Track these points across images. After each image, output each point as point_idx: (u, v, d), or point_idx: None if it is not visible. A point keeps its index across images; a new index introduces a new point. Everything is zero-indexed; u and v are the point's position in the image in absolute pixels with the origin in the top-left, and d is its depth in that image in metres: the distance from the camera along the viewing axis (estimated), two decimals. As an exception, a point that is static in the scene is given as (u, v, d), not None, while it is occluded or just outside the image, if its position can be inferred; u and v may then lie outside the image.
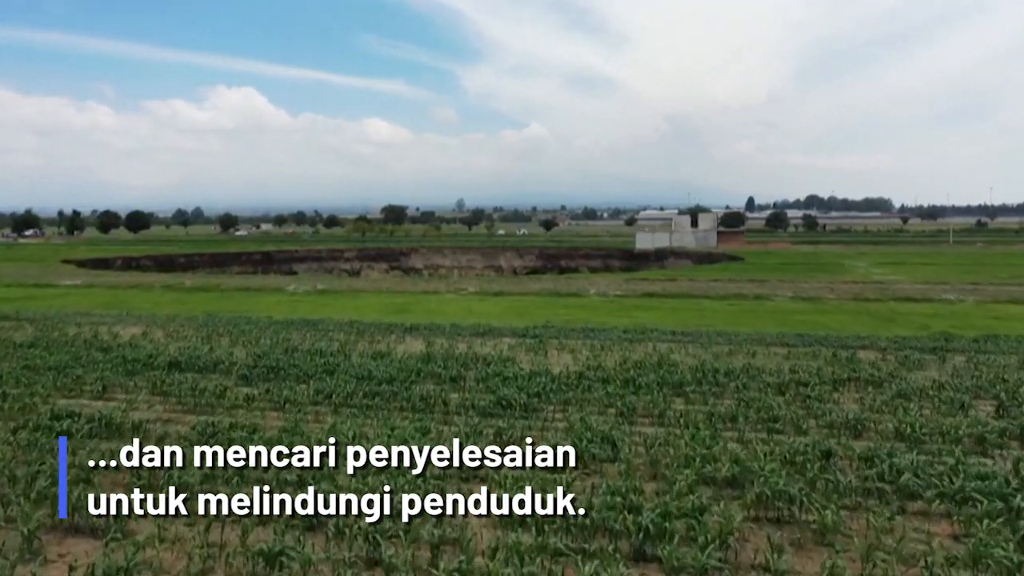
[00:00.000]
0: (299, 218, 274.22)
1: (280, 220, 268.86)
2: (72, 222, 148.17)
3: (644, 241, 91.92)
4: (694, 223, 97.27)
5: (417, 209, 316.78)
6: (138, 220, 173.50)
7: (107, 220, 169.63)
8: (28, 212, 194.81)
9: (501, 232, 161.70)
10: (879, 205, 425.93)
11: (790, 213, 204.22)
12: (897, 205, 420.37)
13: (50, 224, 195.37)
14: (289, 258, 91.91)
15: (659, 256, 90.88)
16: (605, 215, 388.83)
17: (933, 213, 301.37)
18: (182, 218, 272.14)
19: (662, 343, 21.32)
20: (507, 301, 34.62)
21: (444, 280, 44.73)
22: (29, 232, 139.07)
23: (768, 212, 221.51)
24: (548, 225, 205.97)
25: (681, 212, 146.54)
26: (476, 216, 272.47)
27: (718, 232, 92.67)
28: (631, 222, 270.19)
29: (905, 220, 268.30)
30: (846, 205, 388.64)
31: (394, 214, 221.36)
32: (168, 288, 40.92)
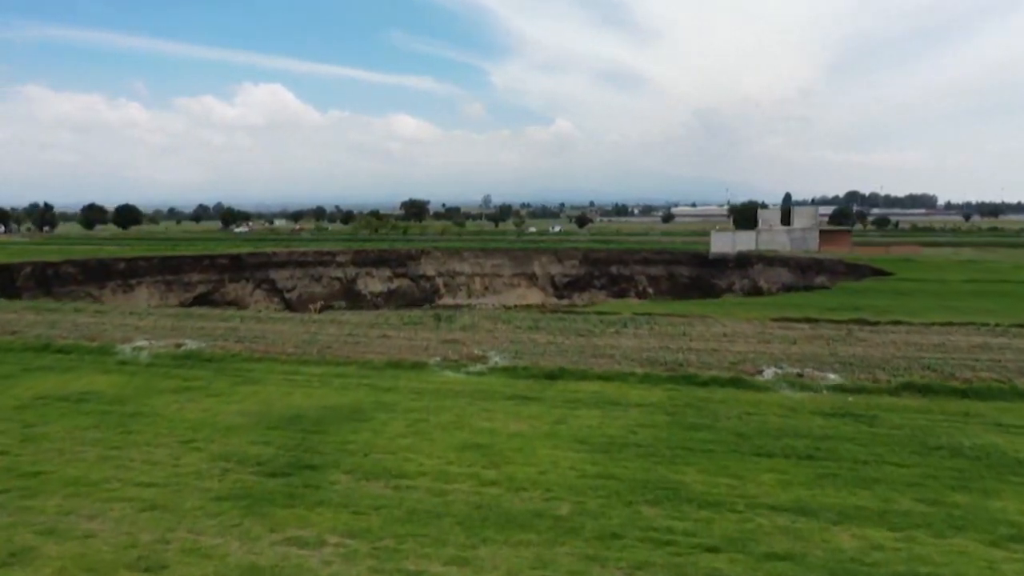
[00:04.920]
0: (318, 213, 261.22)
1: (297, 216, 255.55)
2: (42, 216, 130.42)
3: (722, 243, 70.65)
4: (785, 219, 75.81)
5: (443, 205, 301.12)
6: (128, 215, 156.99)
7: (92, 215, 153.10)
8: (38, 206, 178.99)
9: (532, 230, 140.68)
10: (923, 201, 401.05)
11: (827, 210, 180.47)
12: (942, 201, 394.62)
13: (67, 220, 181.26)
14: (266, 263, 72.17)
15: (742, 262, 69.53)
16: (636, 211, 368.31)
17: (994, 210, 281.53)
18: (202, 214, 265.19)
19: None
20: (588, 412, 13.84)
21: (446, 323, 24.09)
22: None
23: (830, 209, 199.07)
24: (582, 222, 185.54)
25: (747, 206, 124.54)
26: (503, 213, 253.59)
27: (820, 231, 70.88)
28: (668, 218, 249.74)
29: (967, 217, 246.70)
30: (888, 202, 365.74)
31: (415, 209, 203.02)
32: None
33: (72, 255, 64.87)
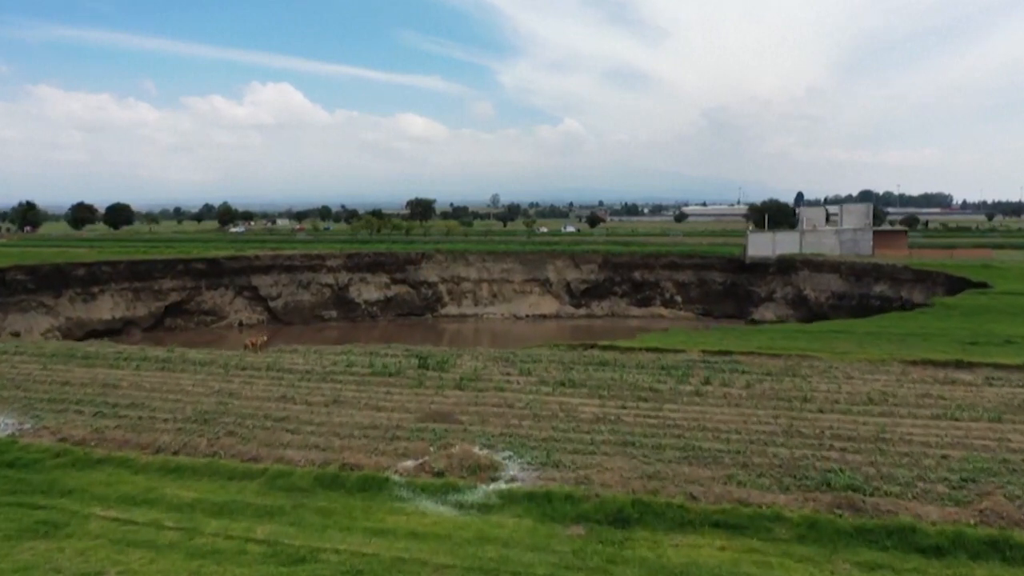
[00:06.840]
0: (323, 213, 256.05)
1: (301, 215, 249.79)
2: (24, 215, 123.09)
3: (760, 245, 62.47)
4: (828, 218, 67.61)
5: (451, 204, 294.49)
6: (119, 214, 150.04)
7: (80, 214, 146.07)
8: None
9: (543, 230, 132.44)
10: (938, 200, 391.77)
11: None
12: (956, 200, 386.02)
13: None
14: (247, 268, 64.30)
15: (784, 267, 61.32)
16: (646, 211, 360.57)
17: (1016, 209, 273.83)
18: (207, 213, 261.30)
19: None
20: None
21: (436, 372, 16.16)
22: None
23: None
24: (593, 221, 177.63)
25: (769, 205, 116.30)
26: (511, 212, 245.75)
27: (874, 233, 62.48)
28: (680, 218, 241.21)
29: (990, 216, 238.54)
30: (903, 201, 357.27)
31: (420, 208, 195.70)
32: None
33: (25, 259, 57.13)
